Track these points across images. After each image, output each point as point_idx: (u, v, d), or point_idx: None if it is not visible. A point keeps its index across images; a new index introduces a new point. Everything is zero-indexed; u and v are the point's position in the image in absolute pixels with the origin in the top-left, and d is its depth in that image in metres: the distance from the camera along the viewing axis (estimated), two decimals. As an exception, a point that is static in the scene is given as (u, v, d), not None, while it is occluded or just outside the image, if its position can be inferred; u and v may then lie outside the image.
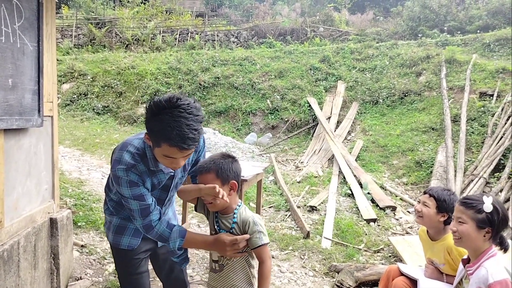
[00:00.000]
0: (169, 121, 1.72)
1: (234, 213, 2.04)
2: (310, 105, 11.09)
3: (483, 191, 6.10)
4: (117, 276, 2.64)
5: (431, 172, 6.88)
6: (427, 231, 2.77)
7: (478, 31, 13.77)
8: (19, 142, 2.73)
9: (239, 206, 2.05)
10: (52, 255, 3.19)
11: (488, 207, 1.97)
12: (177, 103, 1.76)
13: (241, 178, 2.10)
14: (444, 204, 2.56)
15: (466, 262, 2.18)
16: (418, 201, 2.77)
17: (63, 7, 21.71)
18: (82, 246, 4.00)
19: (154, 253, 2.34)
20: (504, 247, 2.06)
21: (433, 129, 8.59)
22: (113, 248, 2.24)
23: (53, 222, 3.16)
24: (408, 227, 5.30)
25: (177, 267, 2.38)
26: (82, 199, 5.28)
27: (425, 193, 2.70)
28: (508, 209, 5.04)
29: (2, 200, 2.52)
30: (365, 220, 5.38)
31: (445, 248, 2.56)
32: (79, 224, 4.51)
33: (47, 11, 3.00)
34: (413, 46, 13.19)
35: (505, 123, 7.50)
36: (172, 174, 2.09)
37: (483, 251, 2.04)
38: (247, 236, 1.97)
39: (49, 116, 3.12)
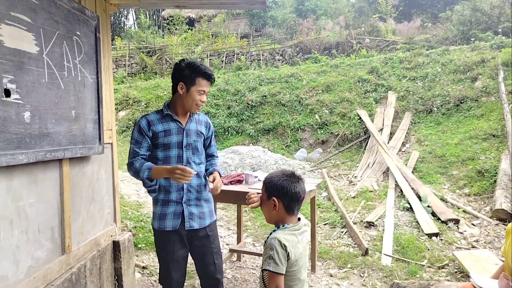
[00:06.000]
0: (198, 65, 2.57)
1: (273, 230, 2.04)
2: (360, 118, 10.89)
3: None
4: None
5: (495, 181, 6.49)
6: None
7: (537, 29, 13.02)
8: (83, 169, 2.89)
9: (284, 227, 2.02)
10: (116, 277, 3.31)
11: None
12: (194, 60, 2.69)
13: (296, 201, 2.04)
14: None
15: None
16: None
17: (116, 38, 22.96)
18: (143, 267, 4.11)
19: (191, 248, 2.70)
20: None
21: (493, 136, 8.12)
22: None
23: (116, 245, 3.28)
24: (474, 241, 5.00)
25: (209, 261, 2.71)
26: (141, 221, 5.46)
27: None
28: None
29: (69, 225, 2.66)
30: (426, 234, 5.14)
31: None
32: (139, 246, 4.66)
33: (104, 44, 3.19)
34: (466, 51, 12.66)
35: None
36: (182, 128, 2.61)
37: None
38: (185, 168, 2.37)
39: (109, 143, 3.28)
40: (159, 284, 3.89)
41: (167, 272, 2.66)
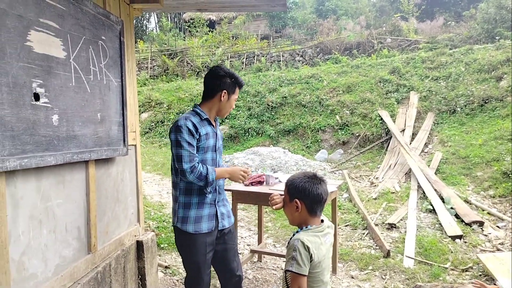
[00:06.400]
0: (236, 75, 2.71)
1: (297, 231, 2.05)
2: (382, 119, 10.78)
3: None
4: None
5: (522, 183, 6.34)
6: None
7: None
8: (108, 170, 2.96)
9: (307, 228, 2.03)
10: (140, 276, 3.37)
11: None
12: (227, 67, 2.77)
13: (318, 202, 2.05)
14: None
15: None
16: None
17: (139, 41, 23.32)
18: (166, 267, 4.18)
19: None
20: None
21: (520, 136, 7.93)
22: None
23: (139, 245, 3.35)
24: (499, 243, 4.90)
25: (231, 258, 2.78)
26: (163, 221, 5.54)
27: None
28: None
29: (95, 225, 2.73)
30: (449, 236, 5.06)
31: None
32: (161, 245, 4.73)
33: (128, 48, 3.26)
34: (491, 50, 12.38)
35: None
36: (215, 132, 2.72)
37: None
38: (246, 170, 2.65)
39: (133, 145, 3.35)
40: (182, 284, 3.95)
41: (199, 276, 2.66)
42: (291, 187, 2.08)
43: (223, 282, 2.82)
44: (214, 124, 2.73)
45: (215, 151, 2.72)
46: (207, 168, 2.53)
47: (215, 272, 2.86)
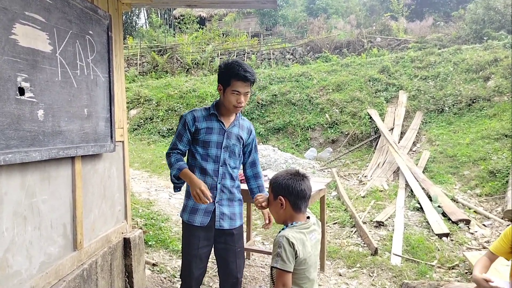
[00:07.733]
0: (234, 66, 2.53)
1: (283, 229, 2.06)
2: (371, 117, 10.84)
3: None
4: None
5: (507, 181, 6.42)
6: None
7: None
8: (95, 167, 2.93)
9: (292, 225, 2.03)
10: (126, 274, 3.34)
11: None
12: (236, 60, 2.64)
13: (302, 198, 2.06)
14: None
15: None
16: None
17: (128, 37, 23.07)
18: (153, 264, 4.15)
19: (215, 246, 2.76)
20: None
21: (506, 136, 8.03)
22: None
23: (126, 242, 3.32)
24: (485, 242, 4.96)
25: (231, 259, 2.75)
26: (151, 219, 5.50)
27: None
28: None
29: (81, 222, 2.69)
30: (436, 235, 5.11)
31: None
32: (149, 243, 4.70)
33: (116, 43, 3.22)
34: (479, 50, 12.52)
35: None
36: (224, 129, 2.67)
37: None
38: (207, 193, 2.42)
39: (120, 141, 3.32)
40: (177, 278, 3.92)
41: (189, 269, 2.69)
42: (274, 185, 2.10)
43: (221, 281, 2.83)
44: (224, 121, 2.68)
45: (221, 149, 2.66)
46: (177, 162, 2.60)
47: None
